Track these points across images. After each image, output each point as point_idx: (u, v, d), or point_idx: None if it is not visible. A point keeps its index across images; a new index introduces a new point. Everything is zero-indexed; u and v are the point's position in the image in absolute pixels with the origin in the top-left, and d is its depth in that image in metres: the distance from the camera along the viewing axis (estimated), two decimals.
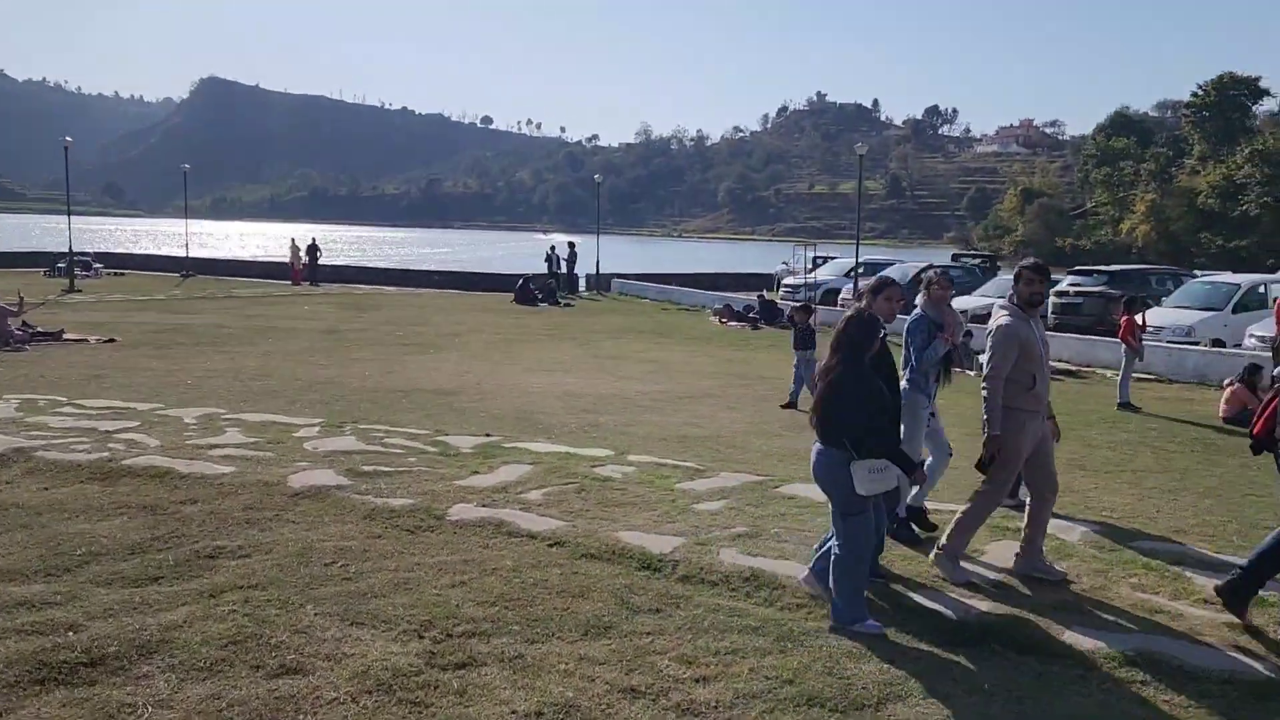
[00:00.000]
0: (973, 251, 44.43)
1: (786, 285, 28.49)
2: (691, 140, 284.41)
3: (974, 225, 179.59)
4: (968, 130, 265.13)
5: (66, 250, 30.77)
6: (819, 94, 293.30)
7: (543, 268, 32.81)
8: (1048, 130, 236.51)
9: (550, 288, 28.62)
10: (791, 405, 11.51)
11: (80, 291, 25.95)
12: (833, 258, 34.28)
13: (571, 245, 32.51)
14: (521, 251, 66.00)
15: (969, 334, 16.85)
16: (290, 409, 10.18)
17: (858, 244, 26.21)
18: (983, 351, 5.49)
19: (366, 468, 7.47)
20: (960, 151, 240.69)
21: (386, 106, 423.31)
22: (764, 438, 9.60)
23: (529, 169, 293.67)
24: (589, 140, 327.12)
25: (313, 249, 33.51)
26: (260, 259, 43.71)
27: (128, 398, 10.45)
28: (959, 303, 21.73)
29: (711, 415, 10.89)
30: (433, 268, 39.75)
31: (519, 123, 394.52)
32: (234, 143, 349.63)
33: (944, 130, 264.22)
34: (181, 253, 42.29)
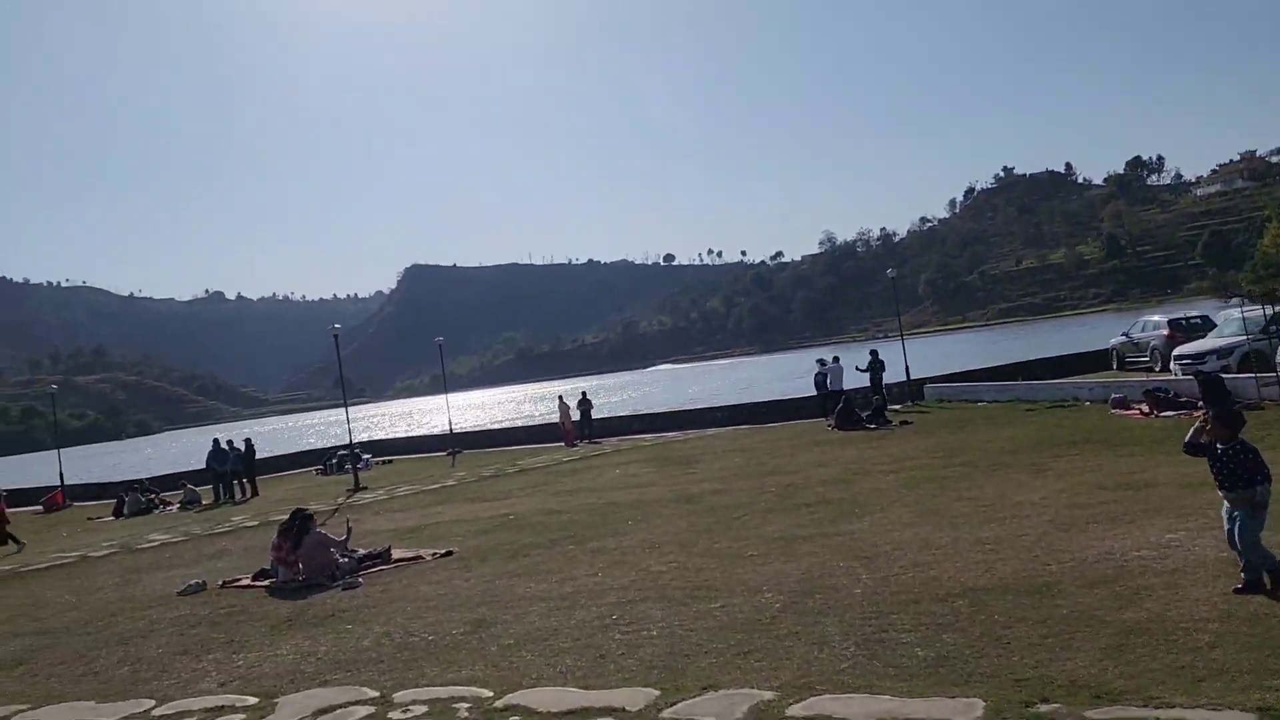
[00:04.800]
0: None
1: (1183, 357, 22.44)
2: (877, 240, 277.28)
3: (1217, 272, 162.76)
4: (1178, 175, 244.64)
5: (338, 445, 28.84)
6: (1006, 169, 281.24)
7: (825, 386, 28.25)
8: (1275, 160, 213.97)
9: (879, 406, 23.90)
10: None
11: (366, 489, 23.42)
12: (1194, 317, 28.08)
13: (874, 353, 27.76)
14: (761, 375, 62.12)
15: None
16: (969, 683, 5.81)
17: None
18: None
19: None
20: (1176, 199, 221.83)
21: (574, 262, 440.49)
22: None
23: (719, 296, 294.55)
24: (773, 258, 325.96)
25: (585, 404, 30.42)
26: (520, 424, 41.48)
27: (601, 672, 6.39)
28: None
29: None
30: (707, 405, 35.94)
31: (700, 255, 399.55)
32: (441, 321, 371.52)
33: (1152, 180, 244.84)
34: (432, 430, 40.64)
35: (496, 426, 45.81)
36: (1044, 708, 4.84)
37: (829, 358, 27.89)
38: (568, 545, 11.82)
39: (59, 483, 36.25)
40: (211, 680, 7.44)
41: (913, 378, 28.99)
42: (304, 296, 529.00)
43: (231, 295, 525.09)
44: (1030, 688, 5.17)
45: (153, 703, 6.97)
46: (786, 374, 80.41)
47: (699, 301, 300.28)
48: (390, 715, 5.92)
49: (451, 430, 35.38)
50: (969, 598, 7.19)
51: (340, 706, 6.23)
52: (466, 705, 5.90)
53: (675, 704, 5.48)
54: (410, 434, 49.05)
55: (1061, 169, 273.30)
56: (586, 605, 8.42)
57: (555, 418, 34.04)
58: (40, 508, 32.51)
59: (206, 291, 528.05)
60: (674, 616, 7.65)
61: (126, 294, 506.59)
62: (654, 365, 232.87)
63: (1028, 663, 5.61)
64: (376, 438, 49.27)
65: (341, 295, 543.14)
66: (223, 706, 6.61)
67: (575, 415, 30.75)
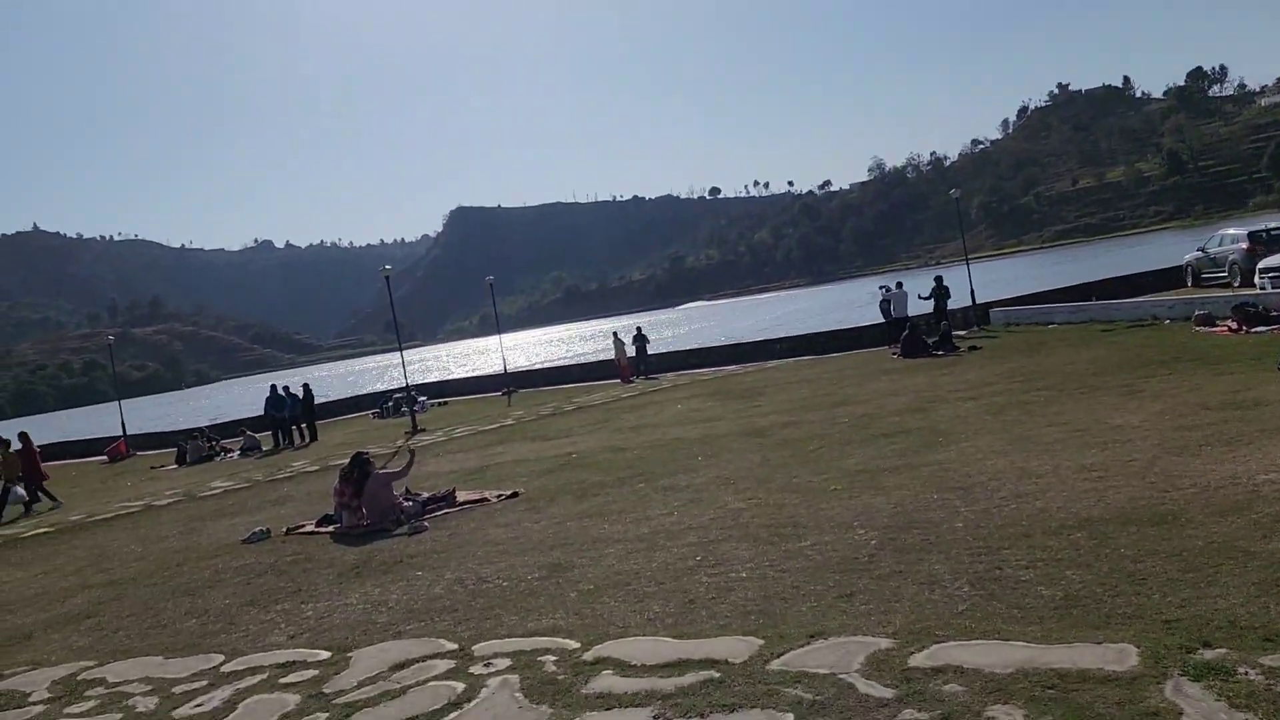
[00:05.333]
0: None
1: (1270, 269, 21.22)
2: (928, 165, 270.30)
3: None
4: (1242, 85, 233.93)
5: (394, 389, 28.75)
6: (1060, 85, 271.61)
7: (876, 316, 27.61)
8: None
9: (946, 331, 23.07)
10: None
11: (424, 430, 23.27)
12: (1275, 228, 26.58)
13: (939, 278, 26.80)
14: (825, 303, 61.06)
15: None
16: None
17: None
18: None
19: None
20: (1240, 110, 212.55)
21: (618, 199, 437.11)
22: None
23: (766, 228, 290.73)
24: (821, 188, 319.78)
25: (640, 339, 29.93)
26: (573, 361, 41.21)
27: (692, 619, 5.96)
28: None
29: None
30: (765, 337, 35.27)
31: (746, 187, 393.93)
32: (487, 263, 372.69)
33: (1214, 91, 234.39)
34: (485, 371, 40.52)
35: (550, 365, 45.53)
36: (1208, 654, 4.27)
37: (893, 284, 27.03)
38: (637, 483, 11.40)
39: (121, 433, 36.80)
40: (281, 633, 7.15)
41: (978, 302, 28.02)
42: (351, 243, 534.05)
43: (280, 244, 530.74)
44: (1184, 630, 4.60)
45: (221, 657, 6.68)
46: (839, 304, 79.20)
47: (746, 234, 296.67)
48: (471, 670, 5.52)
49: (506, 370, 35.15)
50: (1086, 529, 6.60)
51: (417, 661, 5.86)
52: (553, 658, 5.49)
53: (782, 654, 5.00)
54: (465, 375, 49.03)
55: (1119, 83, 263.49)
56: (666, 546, 7.98)
57: (607, 355, 33.67)
58: (105, 458, 33.08)
59: (256, 241, 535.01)
60: (762, 556, 7.17)
61: (178, 246, 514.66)
62: (681, 304, 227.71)
63: (1172, 601, 5.04)
64: (431, 379, 49.28)
65: (388, 240, 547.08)
66: (293, 662, 6.28)
67: (631, 351, 30.31)
